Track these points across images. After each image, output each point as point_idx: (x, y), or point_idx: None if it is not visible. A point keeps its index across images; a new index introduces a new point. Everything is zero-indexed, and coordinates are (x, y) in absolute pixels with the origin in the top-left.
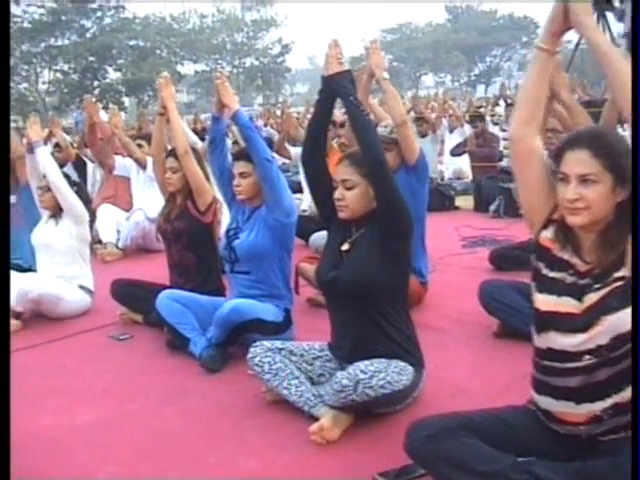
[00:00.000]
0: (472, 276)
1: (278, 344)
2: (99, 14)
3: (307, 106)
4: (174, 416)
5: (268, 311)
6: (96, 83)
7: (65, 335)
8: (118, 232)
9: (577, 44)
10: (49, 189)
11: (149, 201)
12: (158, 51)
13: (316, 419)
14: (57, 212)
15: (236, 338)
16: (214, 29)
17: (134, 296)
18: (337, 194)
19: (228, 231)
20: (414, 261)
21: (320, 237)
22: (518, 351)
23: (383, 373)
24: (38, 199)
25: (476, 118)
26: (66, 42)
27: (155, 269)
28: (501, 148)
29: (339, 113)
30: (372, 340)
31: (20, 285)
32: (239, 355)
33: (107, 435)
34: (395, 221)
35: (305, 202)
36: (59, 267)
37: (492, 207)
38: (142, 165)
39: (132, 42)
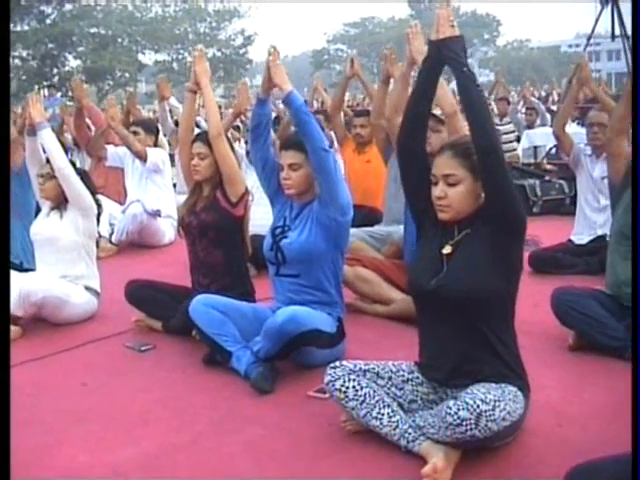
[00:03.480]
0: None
1: (362, 365)
2: (59, 0)
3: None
4: (238, 451)
5: (325, 320)
6: (55, 70)
7: (74, 344)
8: (111, 225)
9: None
10: (52, 177)
11: (146, 194)
12: (119, 39)
13: (412, 453)
14: (61, 203)
15: (290, 352)
16: (176, 18)
17: (152, 300)
18: (438, 191)
19: (274, 229)
20: None
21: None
22: (603, 367)
23: (503, 402)
24: (38, 188)
25: None
26: (25, 28)
27: (157, 266)
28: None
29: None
30: (478, 359)
31: (20, 286)
32: (284, 370)
33: (160, 475)
34: (507, 218)
35: None
36: (63, 265)
37: None
38: (142, 158)
39: (93, 30)
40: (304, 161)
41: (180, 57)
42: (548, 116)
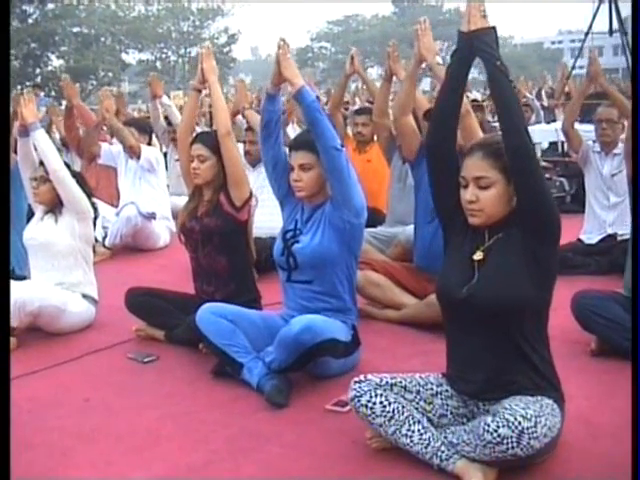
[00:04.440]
0: None
1: (388, 378)
2: None
3: (257, 95)
4: (256, 473)
5: (340, 329)
6: (38, 70)
7: (73, 356)
8: (104, 229)
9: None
10: (46, 180)
11: (140, 195)
12: (102, 39)
13: (445, 472)
14: (56, 207)
15: (305, 363)
16: (160, 17)
17: (154, 308)
18: (468, 195)
19: (285, 233)
20: None
21: None
22: (629, 373)
23: (543, 417)
24: (31, 192)
25: (476, 109)
26: None
27: (154, 271)
28: None
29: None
30: (512, 371)
31: (16, 295)
32: (297, 381)
33: None
34: (542, 222)
35: None
36: (59, 272)
37: None
38: (136, 154)
39: (76, 29)
40: (315, 162)
41: (164, 56)
42: (542, 112)
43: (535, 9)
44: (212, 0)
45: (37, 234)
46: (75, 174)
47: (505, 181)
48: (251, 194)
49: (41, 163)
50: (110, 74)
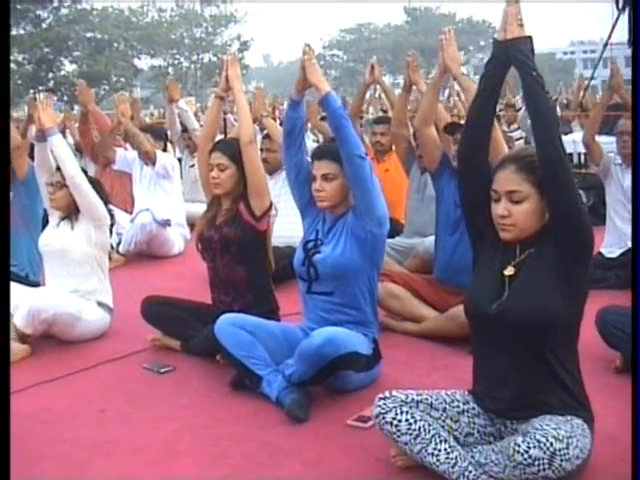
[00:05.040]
0: None
1: (414, 395)
2: (55, 4)
3: (274, 102)
4: None
5: (362, 342)
6: (51, 75)
7: (87, 365)
8: (118, 235)
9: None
10: (63, 186)
11: (155, 201)
12: (115, 44)
13: None
14: (72, 213)
15: (326, 377)
16: (172, 23)
17: (170, 318)
18: (500, 210)
19: (306, 243)
20: None
21: None
22: None
23: (574, 438)
24: (48, 197)
25: None
26: (21, 32)
27: (169, 279)
28: None
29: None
30: (542, 389)
31: (31, 303)
32: (316, 395)
33: None
34: (575, 237)
35: None
36: (74, 280)
37: None
38: (151, 160)
39: (89, 34)
40: (339, 171)
41: (176, 62)
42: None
43: (547, 20)
44: (225, 7)
45: (53, 241)
46: (92, 180)
47: (538, 195)
48: (271, 204)
49: (58, 168)
50: (122, 79)
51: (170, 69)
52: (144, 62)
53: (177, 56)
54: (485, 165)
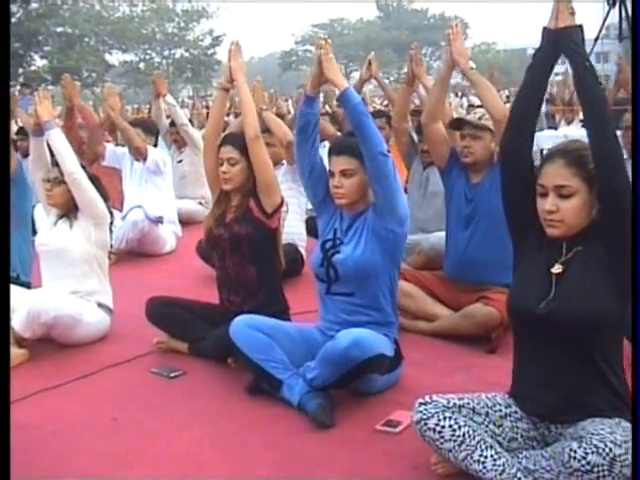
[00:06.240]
0: None
1: (455, 399)
2: None
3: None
4: None
5: (386, 344)
6: (21, 70)
7: (91, 370)
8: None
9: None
10: (61, 182)
11: (146, 198)
12: (86, 39)
13: None
14: (70, 211)
15: (352, 380)
16: (144, 18)
17: (177, 319)
18: (548, 205)
19: (324, 243)
20: None
21: None
22: None
23: (629, 442)
24: (44, 194)
25: None
26: None
27: (163, 277)
28: None
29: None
30: (588, 391)
31: (30, 305)
32: (338, 399)
33: None
34: (625, 234)
35: None
36: (73, 280)
37: None
38: (142, 156)
39: (59, 29)
40: (358, 167)
41: (148, 57)
42: (544, 119)
43: (518, 15)
44: (197, 1)
45: (51, 240)
46: (91, 176)
47: (587, 190)
48: (282, 200)
49: (55, 164)
50: (94, 75)
51: (142, 64)
52: (115, 57)
53: (149, 51)
54: (529, 159)
